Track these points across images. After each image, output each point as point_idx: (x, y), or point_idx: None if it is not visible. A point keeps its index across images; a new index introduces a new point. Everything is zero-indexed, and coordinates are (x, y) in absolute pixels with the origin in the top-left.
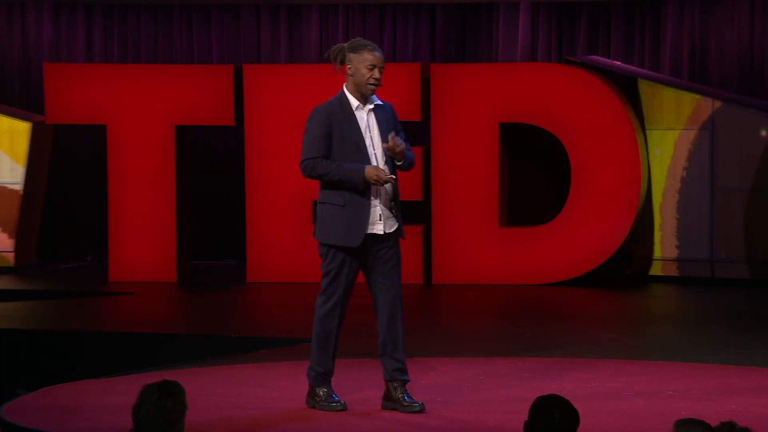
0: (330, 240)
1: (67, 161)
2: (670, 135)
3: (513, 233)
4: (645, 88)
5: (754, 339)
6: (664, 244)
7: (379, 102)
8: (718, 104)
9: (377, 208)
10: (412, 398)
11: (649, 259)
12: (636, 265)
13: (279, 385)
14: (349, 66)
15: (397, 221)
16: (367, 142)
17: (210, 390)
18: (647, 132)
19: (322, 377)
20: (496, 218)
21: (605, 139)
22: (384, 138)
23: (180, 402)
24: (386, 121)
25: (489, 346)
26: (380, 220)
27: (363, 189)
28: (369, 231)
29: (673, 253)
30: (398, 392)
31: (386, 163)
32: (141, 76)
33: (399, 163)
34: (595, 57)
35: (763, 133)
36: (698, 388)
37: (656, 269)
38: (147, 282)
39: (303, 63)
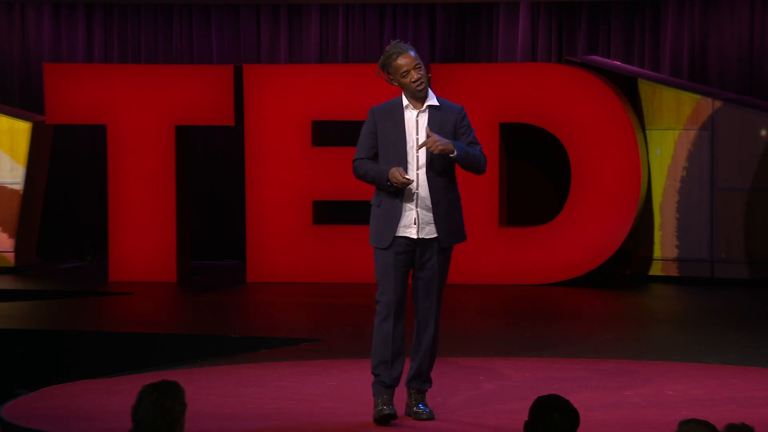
0: (371, 241)
1: (67, 161)
2: (670, 135)
3: (513, 233)
4: (645, 88)
5: (753, 339)
6: (664, 244)
7: (436, 103)
8: (718, 104)
9: (413, 212)
10: (425, 406)
11: (649, 259)
12: (636, 265)
13: (279, 385)
14: (393, 80)
15: (440, 229)
16: (410, 143)
17: (210, 390)
18: (647, 132)
19: (377, 384)
20: (496, 218)
21: (605, 139)
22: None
23: (179, 402)
24: (441, 122)
25: (489, 346)
26: (415, 224)
27: (395, 191)
28: (401, 234)
29: (673, 253)
30: (412, 398)
31: (430, 166)
32: (141, 76)
33: (452, 156)
34: (595, 57)
35: (763, 133)
36: (698, 388)
37: (656, 269)
38: (147, 282)
39: (303, 63)
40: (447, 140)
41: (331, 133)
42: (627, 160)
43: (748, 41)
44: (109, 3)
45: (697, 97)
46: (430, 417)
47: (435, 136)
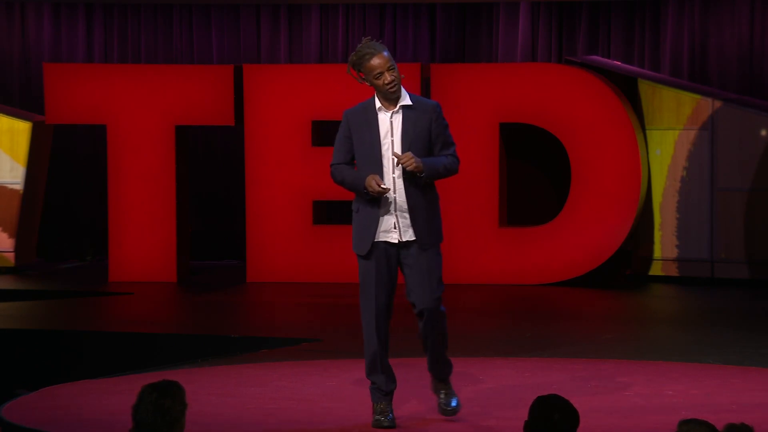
0: (353, 247)
1: (67, 161)
2: (670, 135)
3: (513, 233)
4: (645, 88)
5: (753, 339)
6: (664, 244)
7: (410, 102)
8: (718, 104)
9: (392, 216)
10: (448, 397)
11: (649, 259)
12: (636, 265)
13: (279, 385)
14: (365, 79)
15: (418, 232)
16: (385, 146)
17: (210, 390)
18: (647, 132)
19: (375, 390)
20: (496, 218)
21: (605, 139)
22: (405, 140)
23: (179, 401)
24: (415, 122)
25: (489, 346)
26: (395, 228)
27: (372, 197)
28: (382, 239)
29: (673, 253)
30: (436, 388)
31: (406, 170)
32: (141, 76)
33: (421, 175)
34: (595, 57)
35: (763, 133)
36: (698, 388)
37: (656, 269)
38: (147, 282)
39: (303, 63)
40: (420, 160)
41: (331, 133)
42: (627, 160)
43: (748, 41)
44: (109, 3)
45: (697, 97)
46: (452, 412)
47: (411, 155)
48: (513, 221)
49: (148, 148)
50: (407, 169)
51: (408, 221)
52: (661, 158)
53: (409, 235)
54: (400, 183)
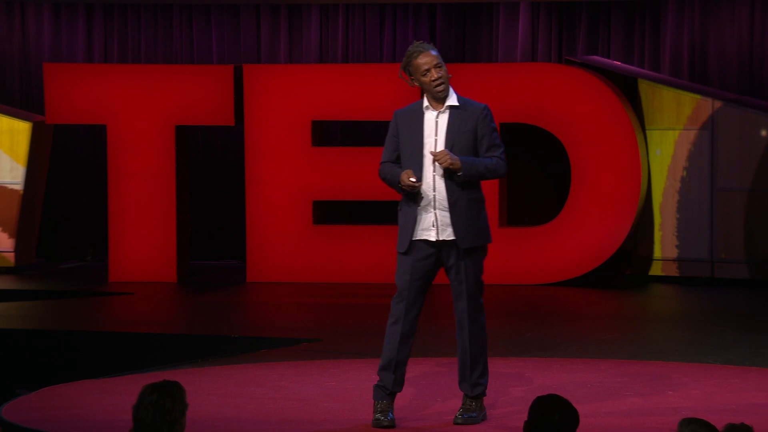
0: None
1: (67, 161)
2: (670, 135)
3: (513, 233)
4: (645, 88)
5: (754, 339)
6: (664, 244)
7: (456, 103)
8: (718, 104)
9: (431, 214)
10: (466, 414)
11: (649, 259)
12: (636, 265)
13: (279, 385)
14: (414, 80)
15: (457, 231)
16: (428, 145)
17: (210, 390)
18: (647, 132)
19: (379, 389)
20: (496, 218)
21: (605, 139)
22: (449, 140)
23: (179, 402)
24: (461, 123)
25: (489, 346)
26: (434, 226)
27: (409, 194)
28: (421, 237)
29: (673, 253)
30: (463, 401)
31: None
32: (141, 76)
33: (459, 174)
34: (595, 57)
35: (763, 133)
36: (698, 388)
37: (656, 269)
38: (147, 282)
39: (303, 63)
40: (456, 158)
41: (331, 133)
42: (627, 160)
43: (748, 41)
44: (109, 3)
45: (697, 97)
46: (465, 422)
47: (446, 152)
48: (513, 221)
49: (148, 148)
50: (441, 166)
51: (448, 220)
52: (661, 158)
53: (447, 234)
54: (440, 182)
